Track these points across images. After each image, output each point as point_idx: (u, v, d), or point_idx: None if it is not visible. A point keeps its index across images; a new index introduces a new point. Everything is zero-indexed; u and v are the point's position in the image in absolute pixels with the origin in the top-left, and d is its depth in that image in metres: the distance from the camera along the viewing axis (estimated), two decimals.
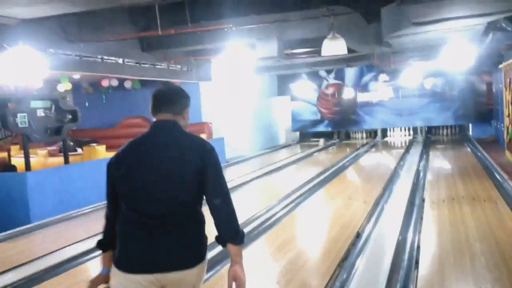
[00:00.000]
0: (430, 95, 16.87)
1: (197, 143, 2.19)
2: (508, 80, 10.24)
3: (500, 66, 10.95)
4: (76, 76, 10.02)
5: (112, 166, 2.21)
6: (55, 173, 7.35)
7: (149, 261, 2.09)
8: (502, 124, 12.02)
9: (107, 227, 2.29)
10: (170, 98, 2.27)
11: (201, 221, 2.20)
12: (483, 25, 7.03)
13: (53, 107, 7.61)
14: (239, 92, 14.90)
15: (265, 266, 4.61)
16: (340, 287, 3.83)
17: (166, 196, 2.11)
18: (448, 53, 8.70)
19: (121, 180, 2.17)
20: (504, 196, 6.84)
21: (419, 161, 11.11)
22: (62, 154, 8.23)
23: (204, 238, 2.22)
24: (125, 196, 2.18)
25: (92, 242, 5.43)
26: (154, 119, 2.28)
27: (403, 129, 18.17)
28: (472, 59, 9.42)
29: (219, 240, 2.19)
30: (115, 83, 11.65)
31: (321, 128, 18.25)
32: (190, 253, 2.14)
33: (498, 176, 8.38)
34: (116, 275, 2.15)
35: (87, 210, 7.39)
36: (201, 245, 2.20)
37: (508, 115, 10.42)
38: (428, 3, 5.25)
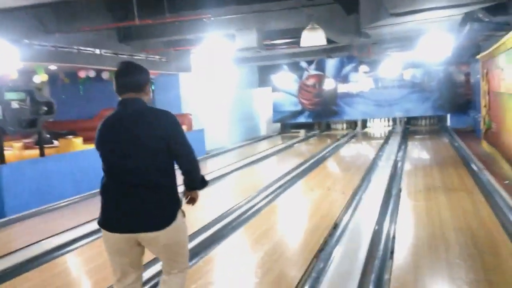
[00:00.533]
0: (410, 86, 17.03)
1: (161, 114, 2.55)
2: (485, 70, 10.38)
3: (478, 56, 11.09)
4: (53, 67, 9.84)
5: (96, 144, 2.56)
6: (31, 166, 7.23)
7: (124, 223, 2.45)
8: (479, 115, 12.21)
9: None
10: (131, 78, 2.55)
11: (171, 187, 2.55)
12: (460, 16, 7.10)
13: (28, 99, 7.45)
14: (220, 83, 14.82)
15: (243, 257, 4.62)
16: (317, 277, 3.85)
17: (139, 165, 2.45)
18: (426, 44, 8.78)
19: (101, 151, 2.53)
20: (480, 186, 6.96)
21: (398, 152, 11.23)
22: (37, 146, 8.08)
23: (175, 202, 2.56)
24: (105, 167, 2.52)
25: (69, 235, 5.42)
26: (120, 98, 2.58)
27: (382, 120, 18.34)
28: (450, 50, 9.53)
29: (187, 187, 2.78)
30: (92, 74, 11.47)
31: (302, 119, 18.30)
32: (160, 217, 2.47)
33: (474, 166, 8.52)
34: (103, 233, 2.54)
35: (64, 203, 7.30)
36: (170, 210, 2.52)
37: (485, 106, 10.59)
38: None
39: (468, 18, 7.10)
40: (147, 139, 2.46)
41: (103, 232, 2.54)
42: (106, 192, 2.53)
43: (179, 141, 2.56)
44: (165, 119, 2.54)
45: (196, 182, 2.77)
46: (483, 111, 10.90)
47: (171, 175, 2.56)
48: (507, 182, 6.84)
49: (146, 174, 2.46)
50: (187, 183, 2.77)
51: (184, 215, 2.67)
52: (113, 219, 2.49)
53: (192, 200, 2.86)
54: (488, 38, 9.52)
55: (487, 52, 9.40)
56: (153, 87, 12.86)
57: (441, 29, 8.31)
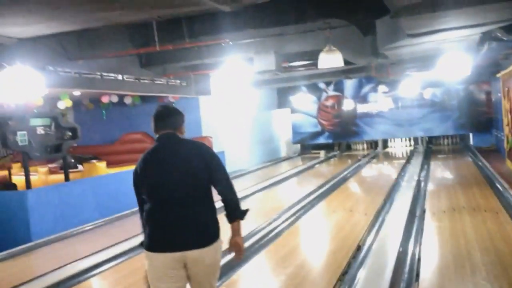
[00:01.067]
0: (430, 105, 16.89)
1: (198, 145, 2.82)
2: (506, 89, 10.27)
3: (498, 75, 10.99)
4: (77, 93, 10.08)
5: (136, 174, 2.78)
6: (56, 191, 7.36)
7: (177, 242, 2.61)
8: (502, 133, 12.03)
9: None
10: (169, 118, 2.85)
11: (213, 208, 2.76)
12: (478, 35, 7.07)
13: (53, 125, 7.64)
14: (239, 105, 14.95)
15: (265, 280, 4.59)
16: None
17: (182, 189, 2.66)
18: (445, 64, 8.74)
19: (145, 181, 2.72)
20: (505, 206, 6.82)
21: (420, 172, 11.10)
22: (62, 171, 8.24)
23: (217, 222, 2.76)
24: (149, 193, 2.70)
25: (94, 260, 5.47)
26: (157, 135, 2.84)
27: (403, 139, 18.17)
28: (469, 69, 9.45)
29: (229, 217, 2.82)
30: (115, 99, 11.71)
31: (321, 140, 18.26)
32: (207, 235, 2.68)
33: (499, 186, 8.36)
34: (147, 257, 2.66)
35: (88, 227, 7.38)
36: (214, 228, 2.74)
37: (508, 124, 10.43)
38: (421, 15, 5.29)
39: (486, 37, 7.08)
40: (190, 166, 2.70)
41: (151, 257, 2.65)
42: (154, 217, 2.68)
43: (218, 168, 2.78)
44: (203, 148, 2.81)
45: (238, 209, 2.84)
46: (506, 129, 10.73)
47: (211, 199, 2.77)
48: None
49: (192, 198, 2.68)
50: (229, 211, 2.82)
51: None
52: (165, 240, 2.63)
53: (237, 247, 2.88)
54: (508, 57, 9.46)
55: (507, 70, 9.31)
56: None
57: (460, 49, 8.28)
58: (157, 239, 2.66)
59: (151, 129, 2.87)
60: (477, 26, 6.24)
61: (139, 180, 2.77)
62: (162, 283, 2.64)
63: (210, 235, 2.70)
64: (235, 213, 2.82)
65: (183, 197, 2.66)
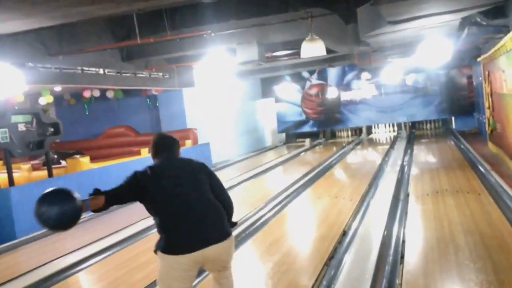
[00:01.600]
0: (412, 91, 17.07)
1: (199, 161, 3.16)
2: (487, 72, 10.40)
3: (479, 59, 11.13)
4: (58, 88, 9.97)
5: (146, 175, 2.92)
6: (39, 187, 7.24)
7: (194, 243, 2.77)
8: (483, 116, 12.21)
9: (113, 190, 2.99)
10: (168, 145, 3.16)
11: (221, 207, 2.98)
12: (457, 21, 7.15)
13: (35, 121, 7.55)
14: (223, 96, 14.93)
15: (253, 268, 4.64)
16: (327, 285, 3.88)
17: (195, 196, 2.89)
18: (425, 49, 8.83)
19: (158, 190, 2.88)
20: (487, 187, 6.96)
21: (404, 156, 11.24)
22: (45, 167, 8.17)
23: (228, 219, 3.02)
24: (167, 200, 2.87)
25: (79, 255, 5.46)
26: (158, 157, 3.10)
27: (387, 125, 18.35)
28: (450, 54, 9.56)
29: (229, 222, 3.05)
30: (97, 93, 11.62)
31: (306, 128, 18.36)
32: (222, 229, 2.90)
33: (481, 168, 8.51)
34: (166, 259, 2.78)
35: None
36: (227, 224, 2.97)
37: (489, 107, 10.59)
38: (401, 2, 5.33)
39: (466, 22, 7.16)
40: (197, 174, 3.02)
41: (172, 260, 2.77)
42: (173, 223, 2.84)
43: (216, 178, 3.13)
44: (201, 162, 3.16)
45: (231, 219, 3.10)
46: (487, 112, 10.90)
47: (218, 202, 3.02)
48: None
49: (207, 199, 2.93)
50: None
51: None
52: (185, 243, 2.78)
53: None
54: (487, 41, 9.57)
55: (487, 54, 9.44)
56: (157, 104, 12.98)
57: (440, 34, 8.36)
58: (176, 243, 2.79)
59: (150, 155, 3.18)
60: (457, 12, 6.30)
61: (145, 180, 2.91)
62: (175, 282, 2.79)
63: (226, 229, 2.93)
64: (230, 220, 3.08)
65: (197, 203, 2.87)
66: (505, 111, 8.21)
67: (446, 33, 8.30)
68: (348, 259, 4.46)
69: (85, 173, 8.35)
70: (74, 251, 5.67)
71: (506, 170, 7.85)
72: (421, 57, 9.88)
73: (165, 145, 3.13)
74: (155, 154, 3.11)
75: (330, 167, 11.13)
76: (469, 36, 8.28)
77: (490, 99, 10.31)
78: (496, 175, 7.46)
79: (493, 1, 6.15)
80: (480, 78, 12.16)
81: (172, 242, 2.79)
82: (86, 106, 12.86)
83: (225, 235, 2.89)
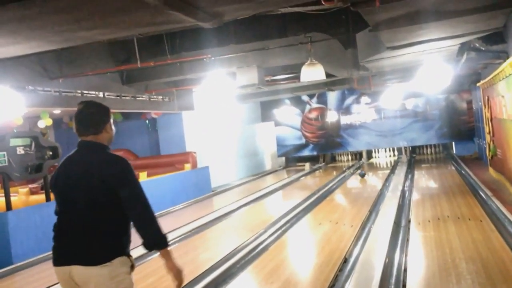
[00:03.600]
0: (412, 115, 17.10)
1: (105, 160, 2.53)
2: (486, 97, 10.43)
3: (478, 84, 11.17)
4: (57, 111, 9.98)
5: (51, 179, 2.65)
6: (37, 211, 7.21)
7: (62, 255, 2.50)
8: (484, 141, 12.19)
9: None
10: (89, 122, 2.59)
11: (111, 232, 2.49)
12: (456, 46, 7.20)
13: (33, 144, 7.52)
14: (223, 120, 14.94)
15: None
16: None
17: (77, 204, 2.49)
18: (425, 74, 8.87)
19: (54, 191, 2.64)
20: (489, 214, 6.88)
21: (404, 181, 11.17)
22: (43, 191, 8.10)
23: (114, 243, 2.50)
24: (57, 204, 2.63)
25: None
26: (79, 140, 2.64)
27: (387, 150, 18.32)
28: (450, 79, 9.61)
29: (144, 246, 2.55)
30: None
31: (306, 152, 18.32)
32: (95, 251, 2.44)
33: (482, 194, 8.44)
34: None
35: None
36: (105, 251, 2.45)
37: (489, 132, 10.58)
38: (400, 28, 5.37)
39: (465, 48, 7.21)
40: (90, 185, 2.47)
41: (55, 272, 2.56)
42: (54, 230, 2.59)
43: (128, 188, 2.49)
44: (113, 167, 2.51)
45: (147, 238, 2.54)
46: (488, 137, 10.89)
47: (112, 221, 2.51)
48: None
49: (87, 215, 2.47)
50: (147, 244, 2.56)
51: (131, 269, 2.57)
52: (58, 253, 2.53)
53: (173, 270, 2.58)
54: (487, 66, 9.62)
55: (487, 79, 9.47)
56: (156, 127, 12.98)
57: (439, 59, 8.41)
58: (54, 251, 2.56)
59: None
60: (456, 37, 6.35)
61: (52, 187, 2.67)
62: None
63: (102, 255, 2.43)
64: (157, 245, 2.56)
65: (78, 212, 2.48)
66: (506, 136, 8.19)
67: (445, 58, 8.36)
68: (349, 287, 4.36)
69: None
70: None
71: (507, 196, 7.78)
72: (420, 82, 9.93)
73: (81, 120, 2.59)
74: (75, 131, 2.63)
75: (330, 192, 11.05)
76: (468, 61, 8.34)
77: (490, 124, 10.31)
78: (497, 202, 7.39)
79: (492, 27, 6.20)
80: (480, 103, 12.18)
81: (53, 252, 2.59)
82: None
83: (91, 260, 2.41)
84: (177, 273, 2.57)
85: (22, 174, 7.37)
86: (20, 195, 8.92)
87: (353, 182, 12.96)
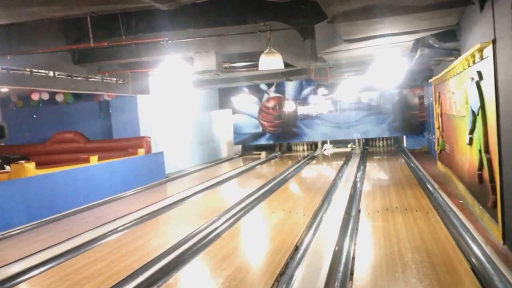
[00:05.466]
0: (367, 108, 17.49)
1: None
2: (438, 94, 10.77)
3: (430, 80, 11.51)
4: (4, 89, 9.52)
5: None
6: None
7: None
8: (433, 136, 12.61)
9: None
10: None
11: None
12: (411, 42, 7.37)
13: None
14: (179, 105, 14.74)
15: (203, 283, 4.52)
16: None
17: None
18: (379, 68, 9.03)
19: None
20: (435, 206, 7.14)
21: (357, 172, 11.41)
22: None
23: None
24: None
25: (22, 265, 5.17)
26: None
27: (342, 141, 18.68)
28: (403, 74, 9.84)
29: None
30: (45, 96, 11.19)
31: (263, 141, 18.40)
32: None
33: (429, 186, 8.74)
34: None
35: (16, 232, 6.98)
36: None
37: (438, 127, 10.95)
38: (357, 21, 5.42)
39: (419, 44, 7.39)
40: None
41: None
42: None
43: None
44: None
45: None
46: (437, 132, 11.27)
47: None
48: (461, 201, 7.04)
49: None
50: None
51: None
52: None
53: None
54: (439, 63, 9.92)
55: (439, 76, 9.77)
56: (109, 110, 12.65)
57: (394, 54, 8.59)
58: None
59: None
60: (410, 33, 6.49)
61: None
62: None
63: None
64: None
65: None
66: (454, 132, 8.50)
67: (400, 53, 8.54)
68: (299, 275, 4.42)
69: (30, 179, 7.96)
70: (17, 261, 5.37)
71: (453, 189, 8.09)
72: (375, 76, 10.13)
73: None
74: None
75: (285, 181, 11.15)
76: (421, 58, 8.56)
77: (440, 120, 10.66)
78: (443, 194, 7.67)
79: (445, 25, 6.37)
80: (431, 99, 12.58)
81: None
82: (34, 110, 12.35)
83: None
84: None
85: None
86: None
87: (308, 172, 13.13)
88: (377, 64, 9.10)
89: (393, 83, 14.60)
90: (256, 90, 17.97)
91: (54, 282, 4.68)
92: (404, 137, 17.47)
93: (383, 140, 18.48)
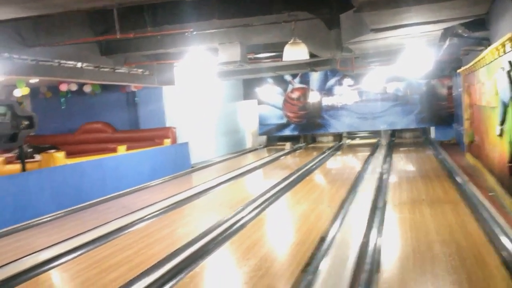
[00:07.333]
0: (393, 99, 17.22)
1: None
2: (467, 84, 10.53)
3: (459, 70, 11.25)
4: (34, 80, 9.72)
5: None
6: (12, 181, 7.08)
7: None
8: (462, 127, 12.36)
9: None
10: None
11: None
12: (439, 31, 7.20)
13: (9, 113, 7.32)
14: (204, 96, 14.80)
15: (228, 272, 4.54)
16: None
17: None
18: (407, 58, 8.88)
19: None
20: (464, 198, 6.99)
21: (383, 164, 11.28)
22: (19, 161, 7.94)
23: None
24: None
25: (52, 252, 5.29)
26: None
27: (368, 132, 18.47)
28: (431, 64, 9.66)
29: None
30: (74, 87, 11.38)
31: (287, 132, 18.35)
32: None
33: (458, 178, 8.57)
34: None
35: (46, 219, 7.15)
36: None
37: (468, 118, 10.71)
38: (384, 11, 5.32)
39: (447, 33, 7.21)
40: None
41: None
42: None
43: None
44: None
45: None
46: (466, 124, 11.03)
47: None
48: (492, 194, 6.88)
49: None
50: None
51: None
52: None
53: None
54: (468, 53, 9.67)
55: (468, 66, 9.53)
56: (136, 101, 12.79)
57: (422, 44, 8.42)
58: None
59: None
60: (439, 22, 6.34)
61: None
62: None
63: None
64: None
65: None
66: (484, 123, 8.30)
67: (428, 43, 8.37)
68: (325, 266, 4.39)
69: (59, 168, 8.13)
70: (47, 248, 5.49)
71: (483, 182, 7.92)
72: (402, 66, 9.97)
73: None
74: None
75: (309, 172, 11.10)
76: (450, 47, 8.36)
77: (469, 111, 10.43)
78: (473, 187, 7.51)
79: (475, 14, 6.20)
80: (460, 89, 12.30)
81: None
82: (62, 100, 12.58)
83: None
84: None
85: None
86: None
87: (333, 163, 13.05)
88: (404, 54, 8.96)
89: (421, 73, 14.33)
90: (280, 81, 17.90)
91: (82, 269, 4.78)
92: (432, 128, 17.16)
93: (410, 132, 18.17)
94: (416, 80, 16.58)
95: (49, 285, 4.62)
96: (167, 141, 11.71)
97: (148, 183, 10.10)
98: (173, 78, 12.14)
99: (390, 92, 17.22)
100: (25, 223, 6.87)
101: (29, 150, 9.29)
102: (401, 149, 15.11)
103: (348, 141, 18.23)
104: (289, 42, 7.32)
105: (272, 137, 18.98)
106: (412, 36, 7.46)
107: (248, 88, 18.35)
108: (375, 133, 18.19)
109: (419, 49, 8.69)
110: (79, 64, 8.74)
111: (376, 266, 4.32)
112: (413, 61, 9.40)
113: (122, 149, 10.06)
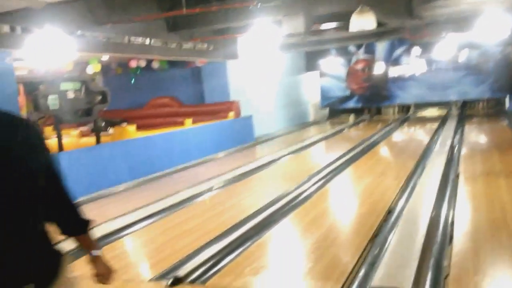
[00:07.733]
0: (465, 68, 16.34)
1: (23, 126, 1.56)
2: None
3: None
4: (105, 57, 10.12)
5: None
6: (87, 153, 7.49)
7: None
8: None
9: None
10: None
11: (46, 232, 1.65)
12: None
13: (83, 89, 7.70)
14: (267, 69, 14.77)
15: (295, 242, 4.59)
16: (372, 263, 3.77)
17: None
18: (482, 25, 8.36)
19: None
20: None
21: (454, 136, 10.82)
22: (93, 134, 8.37)
23: (55, 250, 1.67)
24: None
25: (126, 220, 5.57)
26: None
27: (437, 103, 17.69)
28: (508, 30, 9.04)
29: (71, 231, 1.80)
30: (143, 63, 11.73)
31: (351, 104, 17.98)
32: (40, 266, 1.59)
33: None
34: None
35: (120, 189, 7.52)
36: (52, 258, 1.65)
37: None
38: None
39: None
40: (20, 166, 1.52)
41: None
42: None
43: (53, 165, 1.70)
44: (33, 134, 1.58)
45: (75, 222, 1.85)
46: None
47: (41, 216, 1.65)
48: None
49: (15, 216, 1.51)
50: (73, 227, 1.85)
51: None
52: None
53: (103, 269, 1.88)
54: None
55: None
56: (201, 75, 13.01)
57: (499, 9, 7.88)
58: None
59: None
60: None
61: None
62: None
63: (48, 268, 1.61)
64: (84, 225, 1.84)
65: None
66: None
67: (506, 7, 7.81)
68: (393, 238, 4.33)
69: (131, 141, 8.50)
70: (121, 216, 5.78)
71: None
72: (477, 33, 9.40)
73: None
74: None
75: (374, 144, 10.87)
76: None
77: None
78: None
79: None
80: None
81: None
82: (132, 76, 13.03)
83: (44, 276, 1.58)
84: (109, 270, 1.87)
85: (72, 117, 7.61)
86: (71, 137, 9.26)
87: (399, 135, 12.68)
88: (479, 21, 8.43)
89: (497, 40, 13.46)
90: (344, 52, 17.46)
91: (155, 236, 5.00)
92: (507, 98, 16.16)
93: (483, 102, 17.20)
94: (491, 48, 15.58)
95: (124, 250, 4.88)
96: (231, 115, 11.87)
97: (214, 156, 10.33)
98: (237, 52, 12.19)
99: (462, 61, 16.33)
100: (100, 192, 7.26)
101: (103, 124, 9.76)
102: (473, 120, 14.40)
103: (416, 112, 17.57)
104: (356, 11, 7.11)
105: (335, 110, 18.67)
106: (489, 1, 7.00)
107: (310, 60, 18.08)
108: (445, 104, 17.37)
109: (495, 15, 8.14)
110: (147, 41, 8.98)
111: (448, 238, 4.20)
112: (489, 28, 8.83)
113: (189, 122, 10.32)
